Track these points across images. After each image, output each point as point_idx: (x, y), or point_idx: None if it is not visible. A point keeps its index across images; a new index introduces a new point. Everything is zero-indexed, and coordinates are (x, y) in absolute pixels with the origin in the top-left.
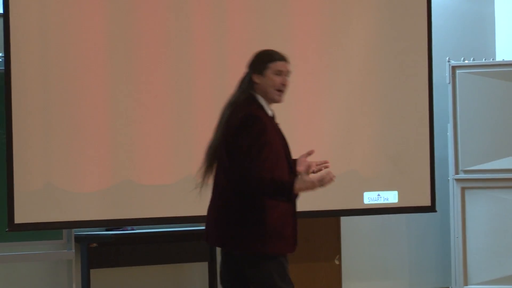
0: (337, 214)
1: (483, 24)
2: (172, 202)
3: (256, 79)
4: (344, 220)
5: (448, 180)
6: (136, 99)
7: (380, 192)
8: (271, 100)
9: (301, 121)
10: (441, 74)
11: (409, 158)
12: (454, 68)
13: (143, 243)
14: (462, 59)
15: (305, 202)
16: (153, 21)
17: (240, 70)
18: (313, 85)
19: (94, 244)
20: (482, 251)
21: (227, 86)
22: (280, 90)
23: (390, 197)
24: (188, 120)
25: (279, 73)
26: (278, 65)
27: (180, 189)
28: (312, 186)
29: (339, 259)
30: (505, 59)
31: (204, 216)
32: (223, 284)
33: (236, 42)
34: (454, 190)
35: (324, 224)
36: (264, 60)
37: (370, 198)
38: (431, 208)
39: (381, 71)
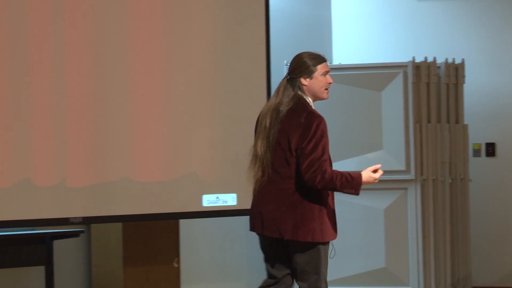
0: (175, 217)
1: (320, 28)
2: (6, 205)
3: (304, 81)
4: (183, 222)
5: None
6: None
7: (219, 195)
8: (319, 99)
9: (140, 122)
10: (279, 77)
11: (248, 161)
12: None
13: None
14: None
15: (143, 205)
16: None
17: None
18: (152, 88)
19: None
20: None
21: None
22: (327, 89)
23: (229, 200)
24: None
25: (325, 73)
26: (324, 66)
27: (15, 193)
28: (373, 181)
29: (178, 262)
30: (342, 63)
31: (39, 220)
32: (270, 267)
33: (75, 44)
34: None
35: (162, 227)
36: (313, 63)
37: (209, 200)
38: None
39: (219, 74)
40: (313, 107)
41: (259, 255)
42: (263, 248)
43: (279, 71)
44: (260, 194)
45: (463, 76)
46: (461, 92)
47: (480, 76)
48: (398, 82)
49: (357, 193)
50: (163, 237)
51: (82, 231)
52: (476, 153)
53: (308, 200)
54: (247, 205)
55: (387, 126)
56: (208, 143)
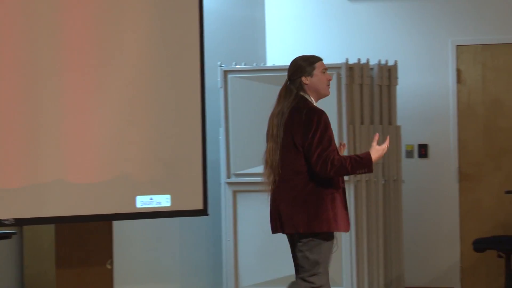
0: (109, 219)
1: (254, 30)
2: None
3: (306, 80)
4: (116, 223)
5: (220, 183)
6: None
7: (153, 196)
8: (321, 96)
9: (73, 124)
10: (213, 78)
11: (182, 162)
12: (225, 73)
13: None
14: (233, 63)
15: (76, 206)
16: None
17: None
18: (86, 89)
19: None
20: (253, 254)
21: None
22: (328, 85)
23: (163, 201)
24: None
25: (324, 70)
26: (321, 64)
27: None
28: (382, 152)
29: (111, 264)
30: (276, 64)
31: None
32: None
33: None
34: (225, 194)
35: (95, 229)
36: (310, 63)
37: (143, 202)
38: (203, 212)
39: (153, 75)
40: (315, 105)
41: (193, 256)
42: (290, 247)
43: (213, 72)
44: (274, 195)
45: (396, 78)
46: (394, 93)
47: (413, 78)
48: (332, 83)
49: (370, 171)
50: (96, 239)
51: (14, 233)
52: (409, 154)
53: (319, 193)
54: (181, 206)
55: None
56: (142, 145)
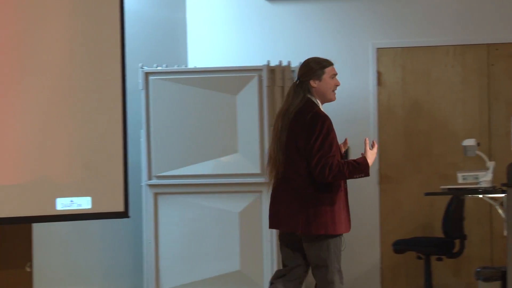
0: (28, 221)
1: (175, 31)
2: None
3: (314, 84)
4: (36, 226)
5: (141, 185)
6: None
7: (73, 198)
8: (327, 100)
9: None
10: (134, 80)
11: (103, 164)
12: (147, 74)
13: None
14: (155, 65)
15: None
16: None
17: None
18: (6, 89)
19: None
20: (175, 256)
21: None
22: (334, 90)
23: (84, 203)
24: None
25: (333, 76)
26: (331, 69)
27: None
28: (375, 155)
29: (31, 266)
30: (197, 66)
31: None
32: (285, 260)
33: None
34: (146, 196)
35: (14, 231)
36: (320, 67)
37: (63, 204)
38: (124, 214)
39: (74, 77)
40: (321, 108)
41: (114, 259)
42: (281, 239)
43: (135, 74)
44: (275, 193)
45: None
46: None
47: None
48: (253, 85)
49: (367, 175)
50: (15, 241)
51: None
52: None
53: (319, 196)
54: (102, 209)
55: (242, 130)
56: (63, 146)
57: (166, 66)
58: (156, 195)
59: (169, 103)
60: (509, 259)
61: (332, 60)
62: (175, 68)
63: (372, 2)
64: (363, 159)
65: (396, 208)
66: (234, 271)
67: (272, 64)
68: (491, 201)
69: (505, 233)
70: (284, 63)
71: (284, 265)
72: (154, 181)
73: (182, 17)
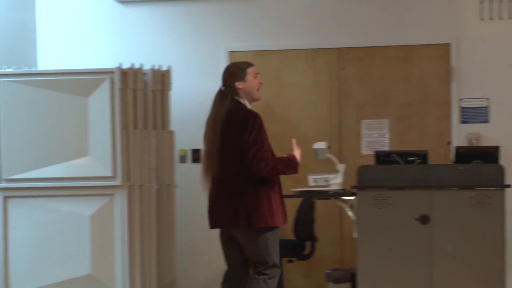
0: None
1: (24, 32)
2: None
3: (239, 85)
4: None
5: None
6: None
7: None
8: (253, 99)
9: None
10: None
11: None
12: None
13: None
14: (4, 67)
15: None
16: None
17: None
18: None
19: None
20: (25, 260)
21: None
22: (259, 89)
23: None
24: None
25: (256, 75)
26: (253, 69)
27: None
28: (300, 156)
29: None
30: (48, 68)
31: None
32: (229, 260)
33: None
34: None
35: None
36: (242, 68)
37: None
38: None
39: None
40: (249, 107)
41: None
42: (222, 241)
43: None
44: (214, 194)
45: (170, 83)
46: (167, 98)
47: (187, 83)
48: (105, 88)
49: (297, 172)
50: None
51: None
52: (182, 159)
53: (257, 191)
54: None
55: (94, 132)
56: None
57: (16, 68)
58: (5, 198)
59: (19, 105)
60: (359, 261)
61: (185, 63)
62: (25, 70)
63: (225, 5)
64: (294, 156)
65: None
66: (85, 275)
67: (124, 66)
68: (342, 204)
69: (354, 235)
70: (136, 66)
71: (228, 265)
72: (4, 184)
73: (32, 18)
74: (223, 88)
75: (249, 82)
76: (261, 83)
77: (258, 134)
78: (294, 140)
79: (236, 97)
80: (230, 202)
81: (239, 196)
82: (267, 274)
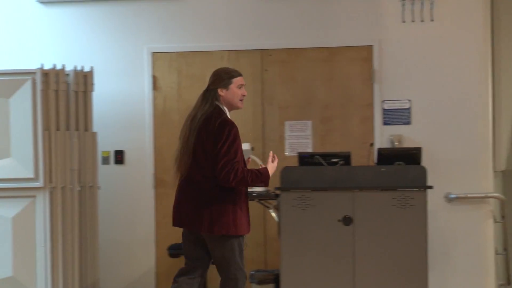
0: None
1: None
2: None
3: (221, 92)
4: None
5: None
6: None
7: None
8: (234, 108)
9: None
10: None
11: None
12: None
13: None
14: None
15: None
16: None
17: None
18: None
19: None
20: None
21: None
22: (241, 100)
23: None
24: None
25: (240, 86)
26: (239, 80)
27: None
28: (274, 169)
29: None
30: None
31: None
32: (188, 258)
33: None
34: None
35: None
36: (229, 77)
37: None
38: None
39: None
40: (228, 115)
41: None
42: (184, 238)
43: None
44: (181, 193)
45: (92, 84)
46: (90, 99)
47: (110, 84)
48: (27, 89)
49: (267, 185)
50: None
51: None
52: (105, 160)
53: (223, 198)
54: None
55: (15, 134)
56: None
57: None
58: None
59: None
60: (282, 262)
61: (108, 64)
62: None
63: (147, 6)
64: (265, 169)
65: (171, 213)
66: (7, 277)
67: (46, 67)
68: (265, 205)
69: (278, 236)
70: (58, 67)
71: (186, 262)
72: None
73: None
74: (206, 89)
75: (231, 91)
76: (244, 95)
77: (231, 145)
78: (271, 153)
79: (217, 103)
80: (195, 205)
81: (205, 201)
82: (235, 278)
